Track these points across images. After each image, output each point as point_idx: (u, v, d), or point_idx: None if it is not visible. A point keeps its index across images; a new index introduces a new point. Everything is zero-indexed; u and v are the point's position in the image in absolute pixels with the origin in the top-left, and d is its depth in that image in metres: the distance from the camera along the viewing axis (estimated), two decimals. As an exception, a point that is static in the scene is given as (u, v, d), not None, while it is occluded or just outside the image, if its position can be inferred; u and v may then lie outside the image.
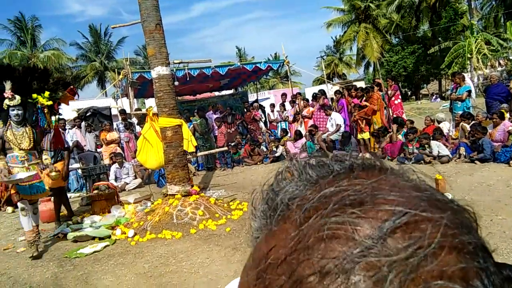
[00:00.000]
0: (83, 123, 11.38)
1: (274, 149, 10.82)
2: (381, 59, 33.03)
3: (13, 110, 4.85)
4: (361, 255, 0.28)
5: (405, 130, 8.82)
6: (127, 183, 9.55)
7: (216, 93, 16.66)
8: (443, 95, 28.28)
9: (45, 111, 5.20)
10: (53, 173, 5.00)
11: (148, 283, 3.86)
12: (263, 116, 12.78)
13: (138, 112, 9.21)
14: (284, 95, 13.10)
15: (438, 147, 7.75)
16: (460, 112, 8.63)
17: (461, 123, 8.28)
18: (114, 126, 11.78)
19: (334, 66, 41.47)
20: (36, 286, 4.15)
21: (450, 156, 7.68)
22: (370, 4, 32.25)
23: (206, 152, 9.62)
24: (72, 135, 10.95)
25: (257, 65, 11.89)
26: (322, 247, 0.30)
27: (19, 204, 5.08)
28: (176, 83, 8.63)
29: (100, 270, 4.34)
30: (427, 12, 29.60)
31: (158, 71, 5.98)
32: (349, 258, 0.28)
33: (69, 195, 9.52)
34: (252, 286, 0.34)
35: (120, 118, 11.56)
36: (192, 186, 6.26)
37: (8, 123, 4.92)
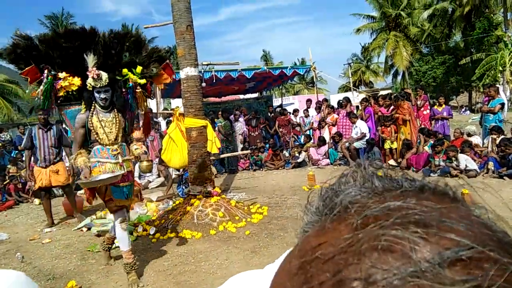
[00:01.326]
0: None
1: (297, 154, 10.79)
2: (410, 68, 32.50)
3: (99, 92, 3.74)
4: (413, 275, 0.27)
5: (431, 141, 8.65)
6: (150, 181, 9.71)
7: (241, 96, 16.77)
8: (472, 107, 27.55)
9: (137, 92, 4.11)
10: (145, 163, 4.01)
11: (167, 281, 3.91)
12: (296, 121, 12.70)
13: (165, 111, 9.37)
14: (309, 101, 13.06)
15: (465, 161, 7.56)
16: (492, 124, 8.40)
17: (491, 137, 8.05)
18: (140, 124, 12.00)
19: (361, 73, 41.03)
20: (59, 277, 4.27)
21: (478, 170, 7.47)
22: (401, 12, 31.79)
23: (229, 155, 9.68)
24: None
25: (283, 70, 11.91)
26: (374, 256, 0.29)
27: (117, 216, 3.99)
28: (203, 84, 8.74)
29: (121, 265, 4.43)
30: (460, 22, 28.94)
31: (186, 71, 6.07)
32: (400, 274, 0.27)
33: (94, 190, 9.79)
34: (293, 274, 0.34)
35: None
36: (214, 187, 6.32)
37: (93, 107, 3.85)
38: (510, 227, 0.35)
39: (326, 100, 12.80)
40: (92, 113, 3.84)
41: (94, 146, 3.87)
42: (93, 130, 3.82)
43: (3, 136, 12.48)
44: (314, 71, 13.01)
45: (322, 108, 11.74)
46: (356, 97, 15.54)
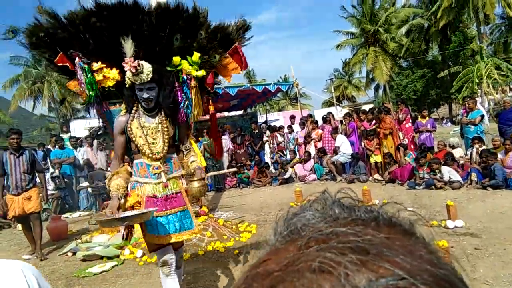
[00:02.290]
0: (95, 141, 11.51)
1: (283, 171, 10.81)
2: (391, 82, 33.16)
3: (141, 90, 2.85)
4: None
5: (411, 152, 8.79)
6: (136, 202, 9.56)
7: (226, 114, 16.80)
8: (453, 119, 28.17)
9: (192, 87, 3.09)
10: (196, 184, 2.96)
11: (156, 305, 3.83)
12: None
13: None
14: (293, 117, 13.16)
15: (449, 173, 7.68)
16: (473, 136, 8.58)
17: (474, 147, 8.22)
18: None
19: (343, 88, 41.67)
20: (44, 305, 4.14)
21: (462, 182, 7.60)
22: (379, 28, 32.58)
23: (216, 173, 9.64)
24: (83, 153, 11.08)
25: (267, 86, 12.01)
26: (308, 277, 0.30)
27: (158, 257, 3.03)
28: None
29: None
30: (437, 36, 29.80)
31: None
32: None
33: (78, 213, 9.60)
34: (237, 287, 0.36)
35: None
36: (201, 206, 6.27)
37: (135, 108, 2.98)
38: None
39: (310, 115, 12.92)
40: (134, 117, 2.97)
41: (135, 159, 3.04)
42: (132, 139, 2.95)
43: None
44: (297, 87, 13.16)
45: (306, 124, 11.84)
46: (339, 112, 15.74)
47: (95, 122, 16.38)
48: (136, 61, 2.76)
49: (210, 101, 3.59)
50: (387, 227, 0.36)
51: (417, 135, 9.98)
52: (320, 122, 11.75)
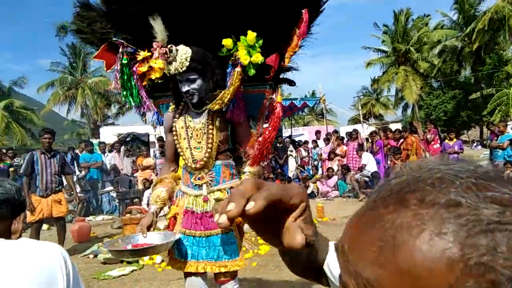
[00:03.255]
0: (122, 147, 11.79)
1: (305, 186, 10.74)
2: (420, 102, 32.61)
3: (181, 82, 2.35)
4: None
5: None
6: (158, 209, 9.69)
7: (251, 127, 16.88)
8: (484, 142, 27.35)
9: (236, 74, 2.33)
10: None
11: (171, 312, 3.85)
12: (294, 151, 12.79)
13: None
14: (318, 132, 13.11)
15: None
16: (502, 161, 8.33)
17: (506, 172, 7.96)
18: (151, 152, 12.13)
19: (370, 106, 41.20)
20: (64, 304, 4.23)
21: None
22: (411, 48, 32.23)
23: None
24: (110, 159, 11.36)
25: (293, 101, 12.04)
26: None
27: None
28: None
29: (126, 294, 4.39)
30: (470, 57, 29.22)
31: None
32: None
33: (101, 217, 9.80)
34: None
35: (157, 145, 11.91)
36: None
37: (183, 103, 2.53)
38: None
39: (336, 131, 12.86)
40: (180, 113, 2.52)
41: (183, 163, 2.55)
42: (175, 141, 2.50)
43: (16, 161, 12.67)
44: (323, 103, 13.13)
45: (331, 140, 11.77)
46: (365, 130, 15.57)
47: (123, 129, 16.80)
48: (166, 47, 2.21)
49: (278, 94, 2.57)
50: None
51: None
52: (346, 139, 11.67)
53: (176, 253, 2.45)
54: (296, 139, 15.23)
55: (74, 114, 35.91)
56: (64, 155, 6.56)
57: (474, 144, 28.17)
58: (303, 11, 2.36)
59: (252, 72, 2.32)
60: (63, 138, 44.15)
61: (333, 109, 32.38)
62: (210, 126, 2.41)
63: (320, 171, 11.59)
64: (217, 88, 2.35)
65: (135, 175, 11.25)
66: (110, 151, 11.78)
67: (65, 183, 6.60)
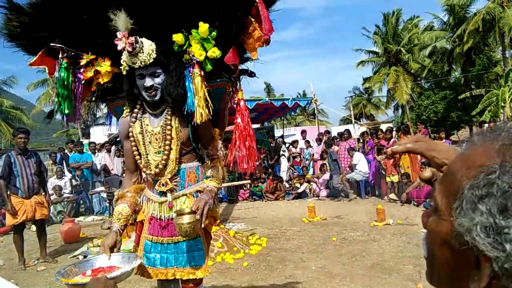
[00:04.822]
0: (113, 147, 11.70)
1: (298, 185, 10.75)
2: (411, 103, 32.85)
3: (143, 77, 2.16)
4: None
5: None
6: (149, 210, 9.64)
7: (243, 126, 16.87)
8: (474, 142, 27.58)
9: (195, 75, 2.15)
10: (187, 218, 2.06)
11: (161, 313, 3.82)
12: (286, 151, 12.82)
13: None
14: (304, 132, 13.13)
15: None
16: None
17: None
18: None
19: (362, 106, 41.42)
20: (52, 306, 4.18)
21: (480, 205, 7.41)
22: (401, 49, 32.44)
23: (229, 184, 9.65)
24: (101, 159, 11.26)
25: (285, 101, 12.04)
26: None
27: None
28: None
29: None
30: (460, 58, 29.47)
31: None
32: None
33: (91, 217, 9.72)
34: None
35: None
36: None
37: (138, 105, 2.33)
38: None
39: (328, 132, 12.89)
40: (136, 117, 2.32)
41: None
42: (134, 148, 2.34)
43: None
44: (315, 103, 13.16)
45: (323, 140, 11.81)
46: (357, 130, 15.66)
47: (114, 129, 16.66)
48: (133, 37, 2.02)
49: (238, 89, 2.47)
50: None
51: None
52: (337, 139, 11.71)
53: (145, 261, 2.37)
54: (288, 139, 15.26)
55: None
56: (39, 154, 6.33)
57: (464, 144, 28.42)
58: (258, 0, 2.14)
59: (209, 68, 2.17)
60: (52, 137, 43.70)
61: (324, 110, 32.55)
62: (169, 127, 2.24)
63: (311, 171, 11.60)
64: (177, 87, 2.15)
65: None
66: (100, 151, 11.68)
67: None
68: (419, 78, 33.63)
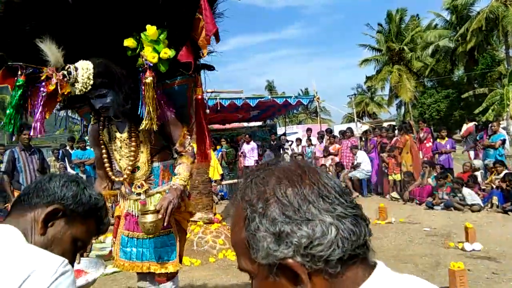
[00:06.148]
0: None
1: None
2: (414, 101, 32.78)
3: (92, 98, 2.22)
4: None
5: (434, 174, 8.63)
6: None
7: (245, 124, 16.89)
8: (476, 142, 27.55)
9: (145, 83, 2.13)
10: (150, 217, 2.19)
11: (163, 309, 3.83)
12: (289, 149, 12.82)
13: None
14: (309, 130, 13.11)
15: (469, 195, 7.50)
16: (493, 160, 8.40)
17: (494, 171, 8.04)
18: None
19: (364, 105, 41.34)
20: (54, 301, 4.19)
21: (482, 205, 7.40)
22: (404, 47, 32.36)
23: (231, 181, 9.66)
24: (103, 155, 11.28)
25: (287, 99, 12.03)
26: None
27: None
28: (207, 111, 8.83)
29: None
30: (463, 57, 29.36)
31: (191, 99, 6.14)
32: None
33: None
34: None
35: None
36: (215, 214, 6.28)
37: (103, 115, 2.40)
38: None
39: (330, 130, 12.87)
40: (104, 125, 2.42)
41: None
42: (105, 155, 2.45)
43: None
44: (318, 101, 13.14)
45: (325, 138, 11.79)
46: (359, 128, 15.64)
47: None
48: (65, 67, 2.03)
49: (198, 85, 2.47)
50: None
51: (436, 155, 9.80)
52: (339, 137, 11.69)
53: (121, 254, 2.47)
54: (290, 137, 15.25)
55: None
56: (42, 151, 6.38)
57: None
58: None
59: (164, 69, 2.17)
60: (55, 134, 43.78)
61: (327, 108, 32.50)
62: (134, 133, 2.31)
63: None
64: (129, 98, 2.17)
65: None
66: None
67: None
68: (422, 77, 33.54)
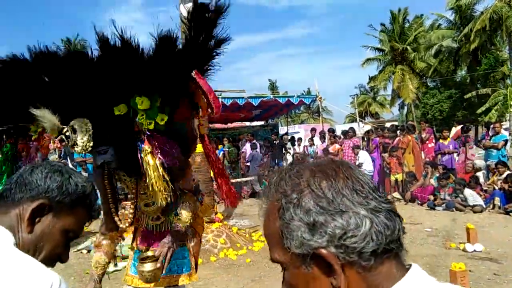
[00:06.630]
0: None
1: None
2: (416, 101, 32.70)
3: (92, 153, 2.12)
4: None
5: (437, 174, 8.62)
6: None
7: (247, 123, 16.91)
8: (478, 142, 27.49)
9: (145, 155, 1.96)
10: (148, 266, 2.16)
11: (164, 307, 3.84)
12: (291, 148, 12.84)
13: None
14: (313, 130, 13.10)
15: (471, 196, 7.48)
16: (495, 161, 8.39)
17: (496, 172, 8.02)
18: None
19: (367, 105, 41.31)
20: (56, 299, 4.21)
21: (484, 206, 7.38)
22: (408, 47, 32.28)
23: (233, 181, 9.67)
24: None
25: (290, 98, 12.03)
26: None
27: None
28: (209, 110, 8.84)
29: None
30: (466, 57, 29.27)
31: (193, 98, 6.15)
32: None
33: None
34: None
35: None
36: (216, 213, 6.29)
37: None
38: None
39: (332, 130, 12.86)
40: (110, 172, 2.29)
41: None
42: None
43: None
44: (320, 101, 13.13)
45: (326, 138, 11.78)
46: (361, 128, 15.62)
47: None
48: (62, 131, 1.92)
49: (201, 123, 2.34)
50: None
51: (439, 156, 9.78)
52: (341, 137, 11.68)
53: (132, 270, 2.43)
54: (290, 136, 15.27)
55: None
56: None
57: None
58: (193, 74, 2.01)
59: (163, 127, 1.99)
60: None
61: (329, 108, 32.45)
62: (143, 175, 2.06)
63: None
64: (130, 153, 2.00)
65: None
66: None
67: None
68: (425, 77, 33.46)
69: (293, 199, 0.68)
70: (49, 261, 1.01)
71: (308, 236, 0.66)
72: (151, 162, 1.96)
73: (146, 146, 1.95)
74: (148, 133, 1.97)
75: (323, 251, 0.65)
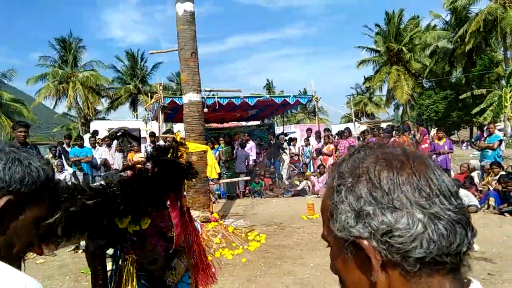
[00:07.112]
0: (114, 142, 11.68)
1: (297, 183, 10.75)
2: (411, 102, 32.83)
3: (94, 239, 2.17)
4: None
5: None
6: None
7: (243, 123, 16.90)
8: (473, 143, 27.62)
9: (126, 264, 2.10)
10: None
11: (159, 307, 3.83)
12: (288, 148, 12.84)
13: (166, 135, 9.41)
14: (309, 130, 13.12)
15: (466, 196, 7.52)
16: (490, 161, 8.44)
17: (491, 172, 8.06)
18: (142, 148, 12.05)
19: (363, 105, 41.44)
20: (50, 299, 4.19)
21: (478, 206, 7.42)
22: (403, 48, 32.40)
23: (228, 180, 9.66)
24: (101, 153, 11.25)
25: (286, 98, 12.04)
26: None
27: None
28: (205, 110, 8.84)
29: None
30: (462, 58, 29.43)
31: (189, 97, 6.15)
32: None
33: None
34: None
35: (148, 140, 11.83)
36: (212, 213, 6.28)
37: None
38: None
39: (328, 130, 12.88)
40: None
41: None
42: None
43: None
44: (316, 101, 13.14)
45: (321, 138, 11.81)
46: (357, 128, 15.65)
47: (114, 123, 16.68)
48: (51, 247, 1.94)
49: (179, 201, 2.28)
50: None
51: (433, 156, 9.82)
52: (336, 137, 11.70)
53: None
54: (288, 136, 15.28)
55: (65, 108, 35.56)
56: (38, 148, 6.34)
57: (464, 144, 28.45)
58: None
59: (147, 225, 2.07)
60: (53, 131, 43.68)
61: (325, 108, 32.54)
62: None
63: (312, 169, 11.61)
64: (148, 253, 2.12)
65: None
66: (100, 145, 11.66)
67: None
68: (420, 78, 33.61)
69: (348, 182, 0.66)
70: (23, 253, 0.96)
71: (352, 223, 0.64)
72: (131, 270, 2.05)
73: (129, 257, 2.04)
74: (133, 238, 2.06)
75: (365, 242, 0.62)
